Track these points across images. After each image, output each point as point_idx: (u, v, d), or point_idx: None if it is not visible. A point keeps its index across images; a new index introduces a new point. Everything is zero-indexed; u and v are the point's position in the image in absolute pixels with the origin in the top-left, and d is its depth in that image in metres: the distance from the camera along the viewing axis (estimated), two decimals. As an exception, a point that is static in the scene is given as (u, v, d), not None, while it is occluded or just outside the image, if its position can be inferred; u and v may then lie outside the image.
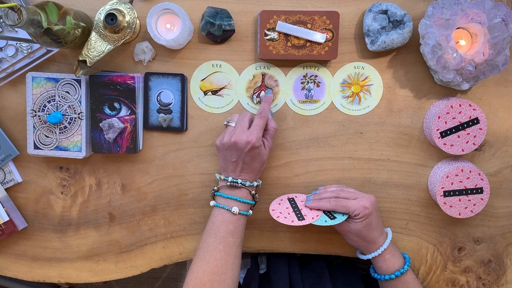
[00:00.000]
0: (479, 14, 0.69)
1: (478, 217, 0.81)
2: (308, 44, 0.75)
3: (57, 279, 0.85)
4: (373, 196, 0.72)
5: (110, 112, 0.77)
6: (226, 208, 0.71)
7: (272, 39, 0.75)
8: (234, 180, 0.71)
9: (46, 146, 0.78)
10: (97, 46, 0.71)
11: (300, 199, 0.77)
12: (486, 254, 0.82)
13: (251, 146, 0.69)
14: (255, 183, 0.73)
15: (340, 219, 0.70)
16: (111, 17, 0.69)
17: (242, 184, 0.71)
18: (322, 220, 0.70)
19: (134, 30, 0.72)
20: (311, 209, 0.73)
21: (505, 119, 0.79)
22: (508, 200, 0.81)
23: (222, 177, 0.73)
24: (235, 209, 0.70)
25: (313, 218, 0.71)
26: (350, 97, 0.79)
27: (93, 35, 0.71)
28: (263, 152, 0.71)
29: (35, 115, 0.77)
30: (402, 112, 0.79)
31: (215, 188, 0.73)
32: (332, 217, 0.71)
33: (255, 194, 0.73)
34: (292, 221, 0.71)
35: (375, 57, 0.78)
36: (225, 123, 0.74)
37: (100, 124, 0.77)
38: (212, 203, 0.73)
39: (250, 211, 0.73)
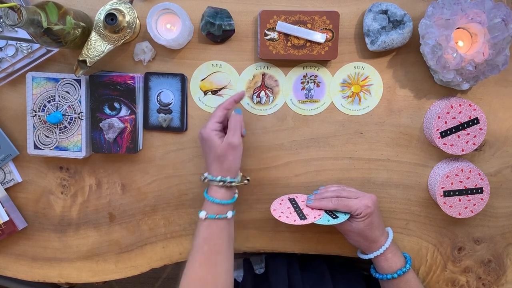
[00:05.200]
0: (479, 14, 0.69)
1: (478, 217, 0.81)
2: (308, 44, 0.75)
3: (57, 279, 0.85)
4: (374, 195, 0.72)
5: (110, 112, 0.77)
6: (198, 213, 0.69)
7: (272, 39, 0.75)
8: (204, 176, 0.70)
9: (46, 146, 0.78)
10: (97, 46, 0.71)
11: (301, 199, 0.77)
12: (486, 254, 0.82)
13: (201, 137, 0.70)
14: (219, 178, 0.68)
15: (342, 218, 0.70)
16: (111, 17, 0.69)
17: (208, 179, 0.69)
18: (324, 220, 0.70)
19: (134, 30, 0.72)
20: (312, 209, 0.73)
21: (505, 119, 0.79)
22: (508, 200, 0.81)
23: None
24: (202, 214, 0.68)
25: (315, 217, 0.71)
26: (350, 97, 0.79)
27: (93, 35, 0.71)
28: (214, 144, 0.68)
29: (35, 115, 0.77)
30: (402, 112, 0.79)
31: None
32: (334, 216, 0.71)
33: (230, 189, 0.69)
34: (294, 221, 0.70)
35: (375, 57, 0.78)
36: None
37: (100, 124, 0.77)
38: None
39: (228, 214, 0.68)
